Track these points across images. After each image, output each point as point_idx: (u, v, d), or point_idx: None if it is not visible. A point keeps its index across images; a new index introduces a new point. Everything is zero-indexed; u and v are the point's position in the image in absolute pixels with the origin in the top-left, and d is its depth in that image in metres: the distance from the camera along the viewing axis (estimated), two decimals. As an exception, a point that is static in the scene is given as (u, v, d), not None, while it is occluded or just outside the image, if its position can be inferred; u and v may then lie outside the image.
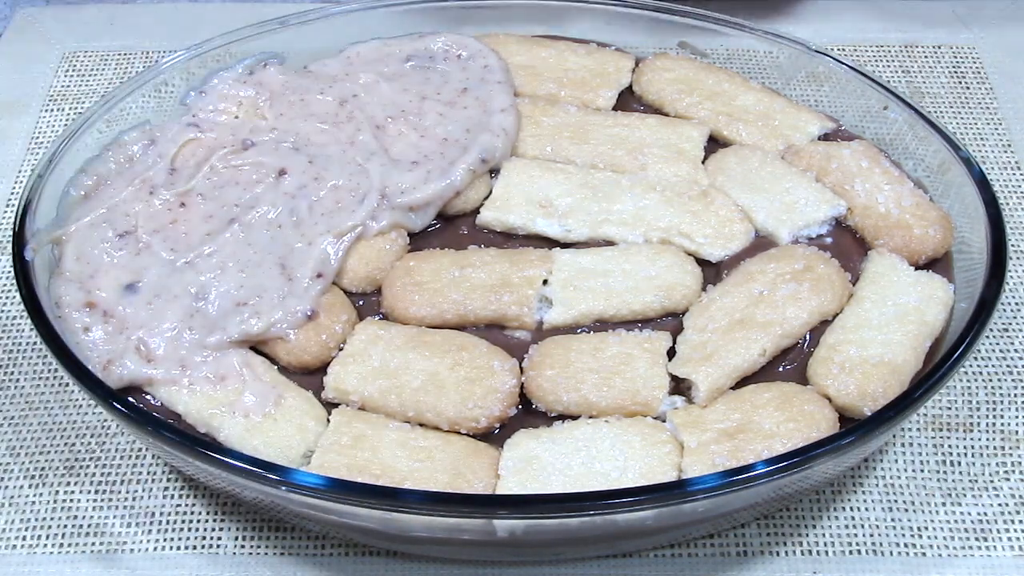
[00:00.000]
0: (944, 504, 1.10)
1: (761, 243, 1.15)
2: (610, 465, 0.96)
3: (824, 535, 1.09)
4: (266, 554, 1.08)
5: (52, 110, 1.49)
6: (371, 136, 1.21)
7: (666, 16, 1.32)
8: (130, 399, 1.01)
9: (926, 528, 1.09)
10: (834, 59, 1.26)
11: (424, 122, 1.24)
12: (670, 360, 1.04)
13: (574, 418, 1.02)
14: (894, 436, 1.15)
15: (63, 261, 1.11)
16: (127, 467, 1.14)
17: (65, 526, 1.10)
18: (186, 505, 1.11)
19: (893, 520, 1.09)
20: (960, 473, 1.13)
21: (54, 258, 1.12)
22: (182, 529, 1.10)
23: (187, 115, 1.25)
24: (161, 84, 1.26)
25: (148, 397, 1.04)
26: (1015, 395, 1.18)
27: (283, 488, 0.91)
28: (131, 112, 1.24)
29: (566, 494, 0.93)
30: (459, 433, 1.01)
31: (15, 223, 1.10)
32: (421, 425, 1.02)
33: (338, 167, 1.18)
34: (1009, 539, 1.08)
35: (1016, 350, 1.22)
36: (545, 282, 1.10)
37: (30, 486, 1.13)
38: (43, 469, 1.14)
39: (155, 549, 1.09)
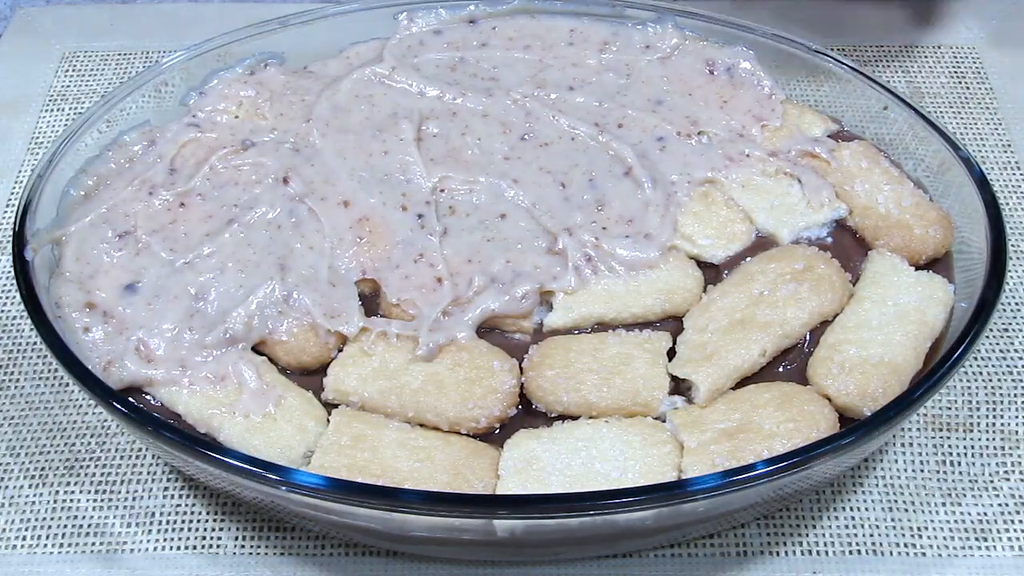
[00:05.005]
0: (944, 504, 1.10)
1: (762, 243, 1.15)
2: (610, 465, 0.96)
3: (824, 535, 1.09)
4: (266, 554, 1.08)
5: (52, 110, 1.49)
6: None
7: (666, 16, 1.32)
8: (130, 399, 1.01)
9: (926, 528, 1.09)
10: (834, 59, 1.26)
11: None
12: (670, 360, 1.04)
13: (574, 418, 1.02)
14: (894, 436, 1.15)
15: (63, 261, 1.11)
16: (127, 467, 1.14)
17: (65, 526, 1.10)
18: (186, 505, 1.11)
19: (893, 520, 1.09)
20: (960, 473, 1.13)
21: (54, 258, 1.12)
22: (182, 529, 1.10)
23: (187, 115, 1.25)
24: (161, 84, 1.26)
25: (148, 397, 1.04)
26: (1015, 395, 1.18)
27: (283, 488, 0.91)
28: (131, 112, 1.24)
29: (566, 494, 0.93)
30: (459, 433, 1.01)
31: (15, 223, 1.10)
32: (421, 425, 1.02)
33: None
34: (1009, 539, 1.08)
35: (1016, 350, 1.22)
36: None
37: (30, 486, 1.13)
38: (43, 469, 1.14)
39: (155, 549, 1.09)
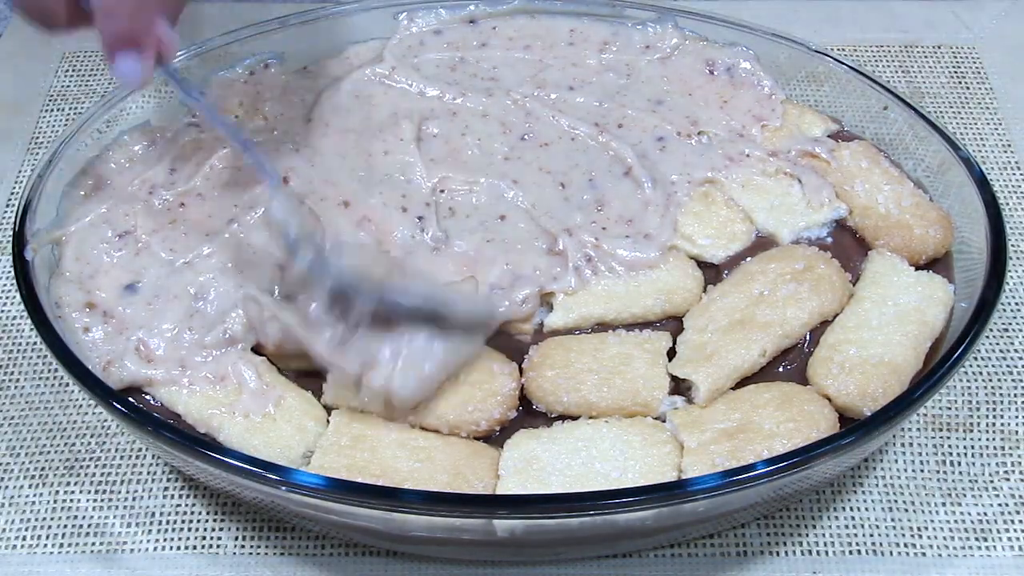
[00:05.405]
0: (944, 504, 1.10)
1: (762, 243, 1.15)
2: (610, 465, 0.96)
3: (824, 535, 1.09)
4: (266, 554, 1.08)
5: (52, 110, 1.49)
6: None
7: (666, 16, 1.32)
8: (130, 399, 1.01)
9: (926, 528, 1.09)
10: (834, 59, 1.26)
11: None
12: (670, 360, 1.04)
13: (574, 418, 1.02)
14: (894, 436, 1.15)
15: (63, 261, 1.11)
16: (127, 467, 1.14)
17: (65, 526, 1.10)
18: (186, 505, 1.11)
19: (893, 520, 1.09)
20: (960, 473, 1.13)
21: (54, 258, 1.12)
22: (182, 529, 1.10)
23: (187, 115, 1.25)
24: (161, 84, 1.26)
25: (148, 397, 1.04)
26: (1015, 395, 1.18)
27: (283, 488, 0.91)
28: (131, 112, 1.24)
29: (566, 494, 0.93)
30: (459, 436, 1.01)
31: (15, 223, 1.10)
32: (421, 428, 1.02)
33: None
34: (1009, 539, 1.08)
35: (1016, 350, 1.22)
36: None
37: (30, 486, 1.13)
38: (43, 469, 1.14)
39: (155, 549, 1.09)
